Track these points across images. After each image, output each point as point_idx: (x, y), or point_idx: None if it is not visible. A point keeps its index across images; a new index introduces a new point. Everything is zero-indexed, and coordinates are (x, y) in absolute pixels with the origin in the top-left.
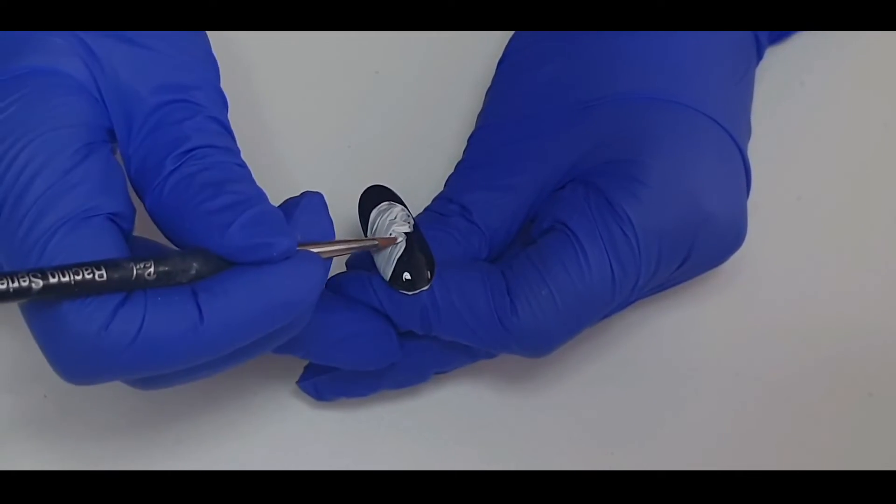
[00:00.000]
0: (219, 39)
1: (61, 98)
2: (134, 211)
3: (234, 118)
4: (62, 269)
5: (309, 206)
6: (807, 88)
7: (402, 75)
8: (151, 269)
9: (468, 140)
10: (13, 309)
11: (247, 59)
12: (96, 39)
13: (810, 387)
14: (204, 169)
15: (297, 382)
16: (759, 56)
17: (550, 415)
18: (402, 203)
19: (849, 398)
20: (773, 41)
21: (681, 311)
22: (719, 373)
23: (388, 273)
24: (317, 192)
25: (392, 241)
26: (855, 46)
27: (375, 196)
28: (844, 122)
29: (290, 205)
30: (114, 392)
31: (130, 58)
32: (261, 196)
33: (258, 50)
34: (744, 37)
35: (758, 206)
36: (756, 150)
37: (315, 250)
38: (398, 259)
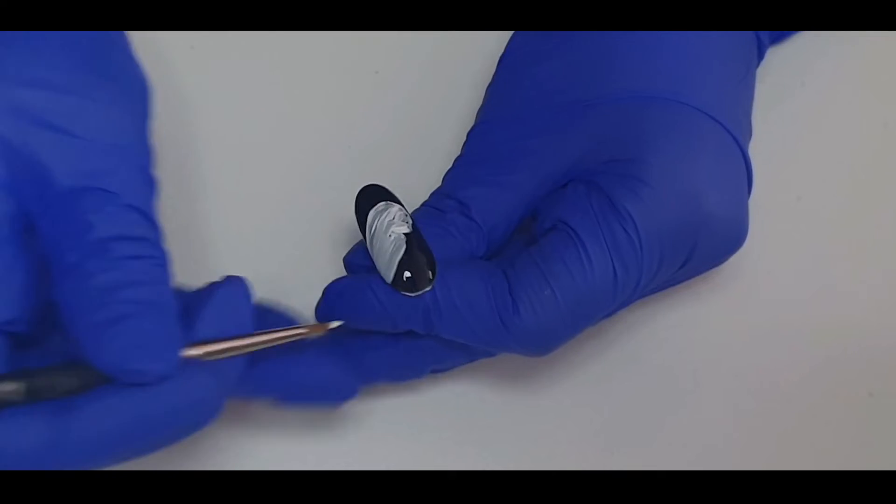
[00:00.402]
0: (219, 39)
1: None
2: (37, 309)
3: (233, 118)
4: None
5: (225, 298)
6: (807, 88)
7: (403, 75)
8: (22, 389)
9: (467, 135)
10: None
11: (247, 59)
12: (15, 126)
13: (810, 387)
14: (103, 269)
15: None
16: (761, 56)
17: (550, 414)
18: (399, 202)
19: (849, 398)
20: (774, 41)
21: (680, 311)
22: (719, 372)
23: (389, 275)
24: (239, 279)
25: (323, 328)
26: (855, 46)
27: (372, 196)
28: (844, 122)
29: (205, 294)
30: None
31: (50, 144)
32: (154, 306)
33: (258, 50)
34: (745, 37)
35: (758, 206)
36: (756, 150)
37: (219, 347)
38: (399, 261)
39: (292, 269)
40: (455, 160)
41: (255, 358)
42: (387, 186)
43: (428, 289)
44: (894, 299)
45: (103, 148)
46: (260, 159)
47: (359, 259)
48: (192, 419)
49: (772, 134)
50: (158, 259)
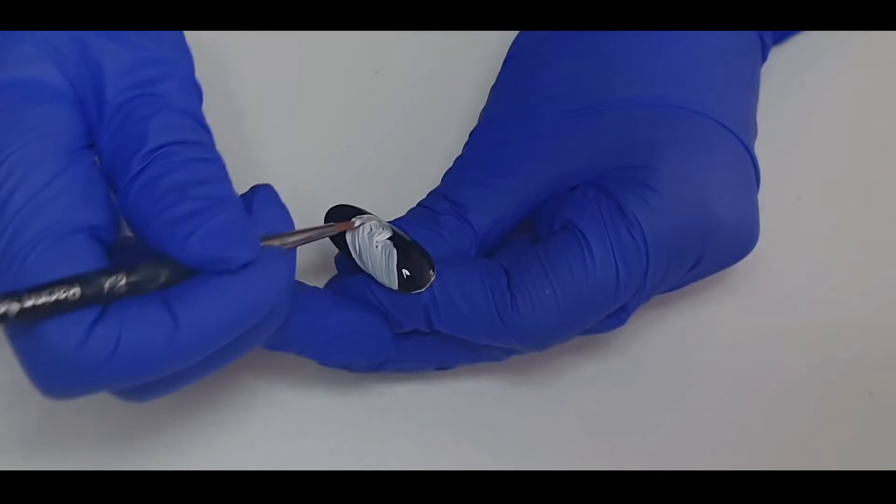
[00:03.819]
0: (219, 39)
1: (37, 108)
2: (117, 220)
3: (233, 119)
4: (37, 291)
5: (265, 200)
6: (807, 88)
7: (403, 75)
8: (123, 282)
9: (469, 135)
10: None
11: (247, 59)
12: (63, 41)
13: (810, 387)
14: (169, 171)
15: None
16: (764, 57)
17: (551, 414)
18: (366, 213)
19: (849, 398)
20: (776, 41)
21: (680, 312)
22: (719, 373)
23: (394, 283)
24: (268, 185)
25: (349, 226)
26: (855, 46)
27: (340, 216)
28: (844, 122)
29: (246, 201)
30: None
31: (97, 55)
32: (225, 200)
33: (258, 50)
34: (749, 39)
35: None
36: (756, 150)
37: (278, 243)
38: (396, 265)
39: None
40: (455, 160)
41: (292, 310)
42: (374, 193)
43: (430, 282)
44: (894, 299)
45: (151, 57)
46: (260, 159)
47: (351, 260)
48: (279, 304)
49: (771, 134)
50: (216, 161)
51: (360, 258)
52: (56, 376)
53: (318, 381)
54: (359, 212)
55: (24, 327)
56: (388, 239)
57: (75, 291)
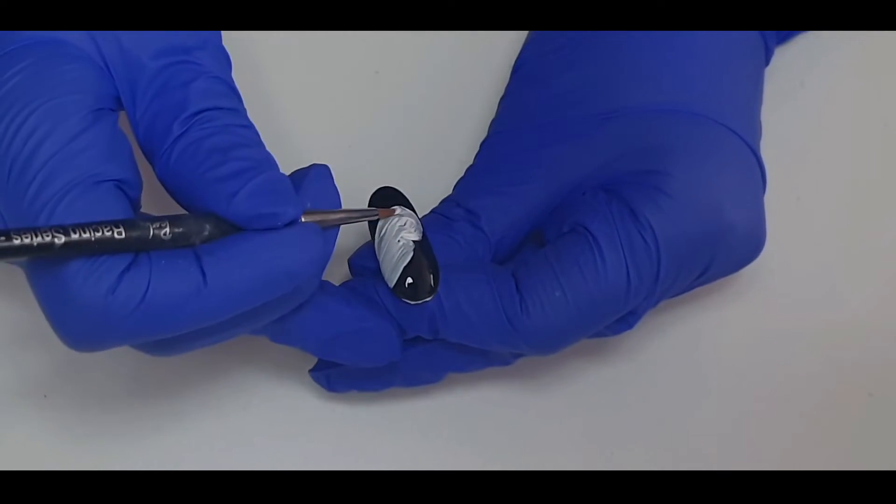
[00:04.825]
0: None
1: (66, 66)
2: (141, 180)
3: None
4: (83, 227)
5: (317, 177)
6: (807, 88)
7: (403, 75)
8: (167, 230)
9: (480, 146)
10: (10, 306)
11: (247, 59)
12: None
13: (810, 387)
14: (210, 134)
15: (310, 372)
16: (768, 59)
17: (551, 415)
18: (411, 208)
19: (849, 398)
20: (778, 42)
21: (681, 313)
22: (718, 373)
23: (393, 280)
24: (324, 165)
25: (391, 213)
26: (855, 46)
27: (387, 198)
28: (844, 122)
29: (299, 175)
30: (114, 393)
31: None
32: (268, 161)
33: (258, 50)
34: (753, 42)
35: None
36: None
37: (319, 217)
38: (404, 267)
39: None
40: (467, 169)
41: (300, 306)
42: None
43: (429, 298)
44: (894, 300)
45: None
46: None
47: (363, 261)
48: (309, 276)
49: (771, 134)
50: (251, 127)
51: (379, 241)
52: (80, 325)
53: None
54: (405, 201)
55: (51, 273)
56: (413, 241)
57: (120, 232)
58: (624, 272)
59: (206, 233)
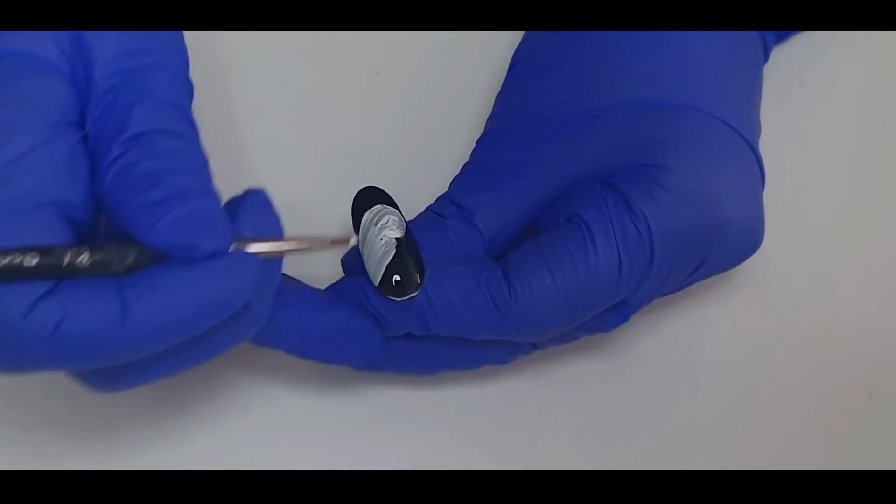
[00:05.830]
0: (219, 39)
1: (29, 79)
2: (97, 200)
3: (233, 118)
4: None
5: (254, 204)
6: (807, 88)
7: (403, 75)
8: (85, 258)
9: (476, 143)
10: None
11: (247, 59)
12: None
13: (810, 387)
14: (146, 158)
15: None
16: (766, 57)
17: (550, 415)
18: (394, 205)
19: (849, 398)
20: (777, 41)
21: (679, 313)
22: (718, 373)
23: (377, 277)
24: (260, 189)
25: (344, 242)
26: (855, 46)
27: (369, 198)
28: (844, 122)
29: (235, 202)
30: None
31: (90, 38)
32: (200, 190)
33: (258, 50)
34: (751, 39)
35: None
36: None
37: (255, 247)
38: (387, 265)
39: (291, 270)
40: (462, 166)
41: (282, 305)
42: (385, 189)
43: (414, 294)
44: (894, 300)
45: (144, 47)
46: (259, 159)
47: (355, 260)
48: (237, 306)
49: (771, 134)
50: (197, 153)
51: (363, 240)
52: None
53: (319, 381)
54: (388, 199)
55: None
56: (395, 239)
57: (33, 258)
58: (615, 258)
59: (130, 261)
